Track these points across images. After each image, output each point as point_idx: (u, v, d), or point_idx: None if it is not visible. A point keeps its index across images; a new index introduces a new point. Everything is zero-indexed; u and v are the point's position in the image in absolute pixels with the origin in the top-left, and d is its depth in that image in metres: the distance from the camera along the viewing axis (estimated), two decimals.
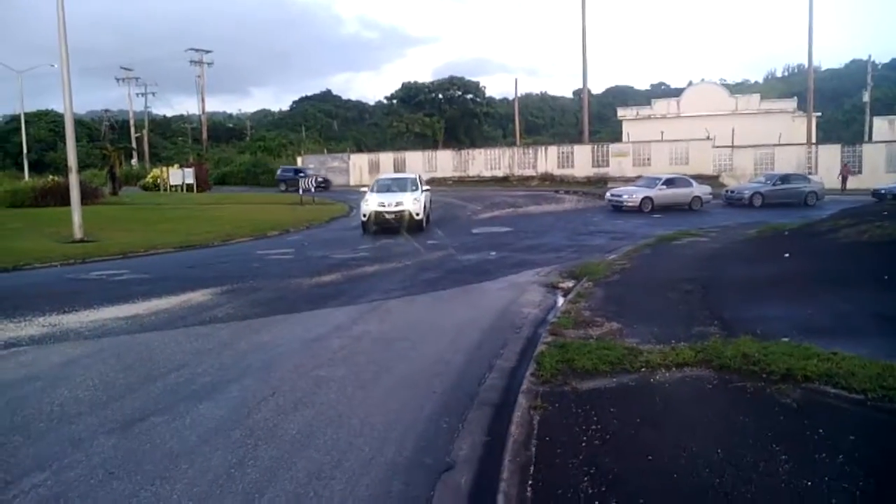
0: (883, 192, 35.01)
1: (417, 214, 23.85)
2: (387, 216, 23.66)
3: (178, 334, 10.17)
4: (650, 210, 30.70)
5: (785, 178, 35.90)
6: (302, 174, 53.47)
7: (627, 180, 49.72)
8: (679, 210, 31.31)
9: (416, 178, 26.55)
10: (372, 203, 24.02)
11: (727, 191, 36.76)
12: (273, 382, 7.75)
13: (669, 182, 32.84)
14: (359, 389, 7.47)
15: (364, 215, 24.11)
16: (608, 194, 33.53)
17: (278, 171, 59.69)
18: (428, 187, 27.09)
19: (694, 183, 33.53)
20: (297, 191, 43.59)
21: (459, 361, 8.58)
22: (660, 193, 31.70)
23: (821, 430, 5.45)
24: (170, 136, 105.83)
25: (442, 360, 8.61)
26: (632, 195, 31.78)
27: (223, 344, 9.61)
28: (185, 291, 13.42)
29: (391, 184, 26.20)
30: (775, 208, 31.53)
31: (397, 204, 23.87)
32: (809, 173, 45.06)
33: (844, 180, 42.70)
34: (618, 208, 31.58)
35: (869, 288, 11.04)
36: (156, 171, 61.90)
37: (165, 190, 55.09)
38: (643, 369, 7.27)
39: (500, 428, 6.11)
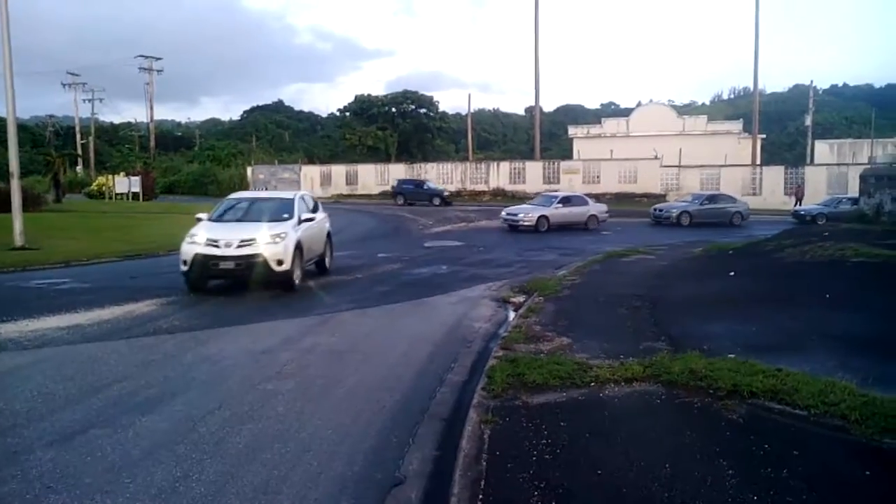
0: (802, 213, 36.53)
1: (280, 263, 13.89)
2: (222, 264, 13.98)
3: (122, 345, 9.91)
4: (546, 229, 30.08)
5: (712, 198, 36.88)
6: (425, 186, 51.09)
7: None
8: (575, 230, 30.93)
9: (294, 200, 16.05)
10: (199, 240, 14.25)
11: (655, 209, 37.09)
12: (219, 395, 7.59)
13: (566, 200, 32.38)
14: (308, 403, 7.35)
15: (184, 262, 14.09)
16: (504, 213, 32.16)
17: (395, 183, 53.74)
18: (323, 215, 17.74)
19: (590, 201, 33.26)
20: (425, 204, 41.58)
21: (410, 375, 8.53)
22: (556, 212, 31.14)
23: (766, 446, 5.54)
24: (116, 144, 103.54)
25: (393, 374, 8.55)
26: (527, 214, 30.87)
27: (168, 355, 9.38)
28: (129, 301, 13.09)
29: (248, 207, 16.34)
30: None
31: (242, 244, 13.94)
32: (754, 194, 46.35)
33: (798, 201, 43.61)
34: (514, 228, 30.57)
35: (812, 306, 11.32)
36: (101, 179, 60.75)
37: (111, 198, 53.96)
38: (593, 384, 7.31)
39: (451, 442, 6.07)
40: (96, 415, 6.87)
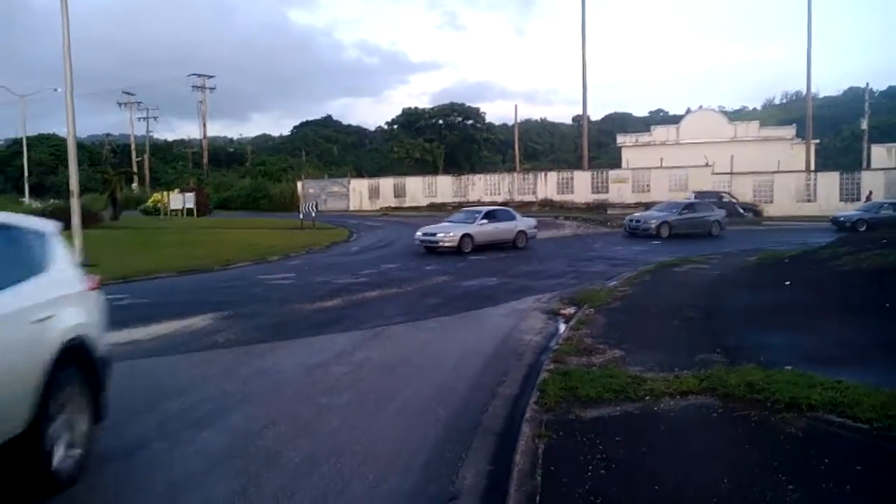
0: (842, 219, 35.00)
1: None
2: None
3: (179, 360, 10.14)
4: (471, 250, 25.99)
5: (690, 207, 34.40)
6: (724, 198, 43.25)
7: (627, 206, 50.06)
8: (501, 248, 27.38)
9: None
10: None
11: (630, 220, 34.50)
12: (275, 409, 7.71)
13: (490, 216, 28.12)
14: (361, 416, 7.43)
15: None
16: (419, 233, 27.44)
17: (690, 195, 44.76)
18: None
19: (517, 215, 29.62)
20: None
21: (462, 388, 8.55)
22: (481, 230, 26.94)
23: (826, 460, 5.42)
24: (170, 161, 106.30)
25: (445, 387, 8.58)
26: (448, 233, 26.36)
27: (225, 370, 9.57)
28: (185, 316, 13.38)
29: None
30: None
31: None
32: (809, 200, 45.11)
33: None
34: (432, 250, 26.13)
35: (871, 316, 11.03)
36: (156, 196, 62.22)
37: (166, 214, 55.24)
38: (647, 397, 7.24)
39: (505, 457, 6.06)
40: (157, 429, 7.04)
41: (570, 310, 13.75)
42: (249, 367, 9.71)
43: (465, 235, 26.22)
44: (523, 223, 28.91)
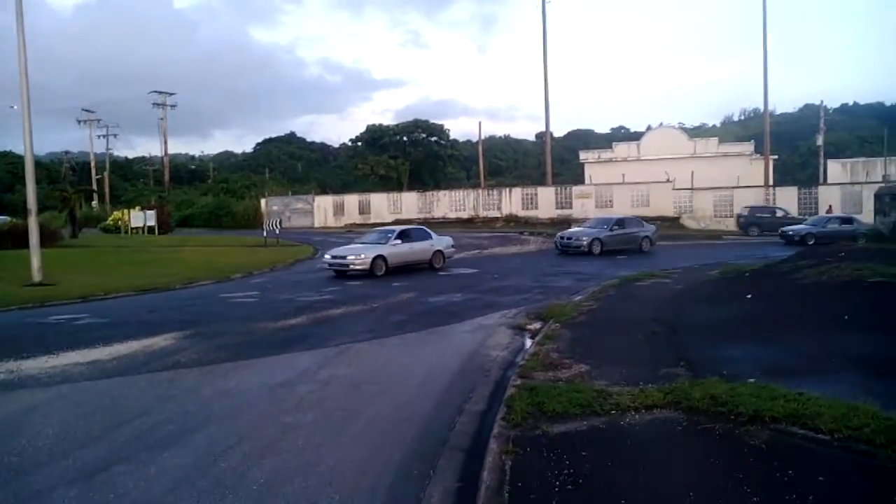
0: (791, 233, 35.57)
1: None
2: None
3: (141, 380, 9.97)
4: (384, 273, 23.91)
5: (621, 223, 33.57)
6: (777, 213, 42.84)
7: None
8: (417, 270, 25.45)
9: None
10: None
11: (561, 237, 33.24)
12: (239, 429, 7.60)
13: (405, 235, 25.92)
14: (327, 436, 7.35)
15: None
16: (328, 256, 25.24)
17: (743, 211, 45.13)
18: None
19: (433, 234, 27.32)
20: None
21: (429, 406, 8.51)
22: (395, 251, 24.84)
23: (790, 472, 5.49)
24: (131, 178, 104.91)
25: (411, 405, 8.54)
26: (359, 255, 24.09)
27: (187, 390, 9.42)
28: (147, 336, 13.16)
29: None
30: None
31: None
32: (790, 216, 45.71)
33: None
34: (342, 274, 23.87)
35: (830, 328, 11.22)
36: (117, 214, 61.25)
37: (126, 232, 54.36)
38: (613, 411, 7.28)
39: (472, 474, 6.04)
40: (118, 451, 6.91)
41: (537, 325, 13.79)
42: (212, 386, 9.57)
43: (377, 257, 24.09)
44: (440, 242, 26.99)
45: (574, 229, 35.18)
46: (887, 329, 10.76)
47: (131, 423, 7.81)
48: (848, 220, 35.80)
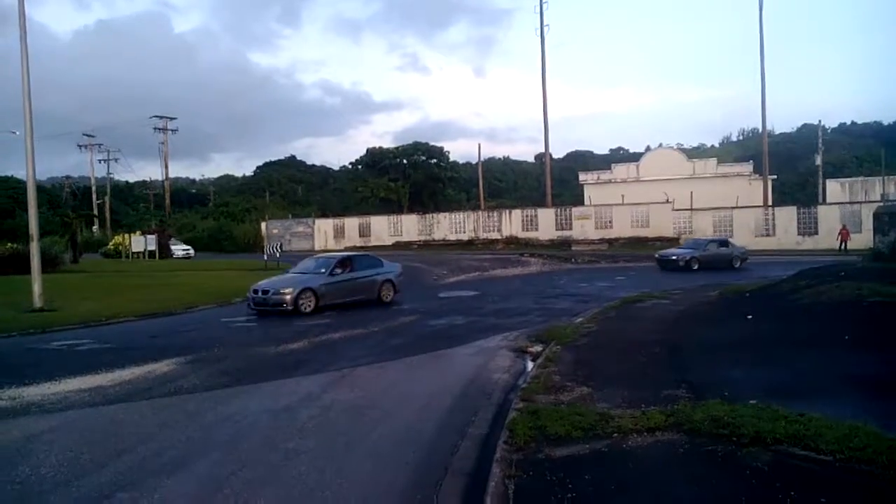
0: (674, 257, 35.03)
1: None
2: None
3: (144, 406, 9.98)
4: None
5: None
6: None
7: (591, 242, 50.64)
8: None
9: None
10: None
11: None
12: (242, 455, 7.61)
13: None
14: (330, 461, 7.36)
15: None
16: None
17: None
18: None
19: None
20: None
21: (431, 430, 8.52)
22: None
23: (792, 493, 5.50)
24: (132, 203, 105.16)
25: (414, 429, 8.55)
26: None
27: (190, 416, 9.43)
28: (149, 362, 13.17)
29: None
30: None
31: None
32: (767, 234, 45.92)
33: (843, 241, 41.38)
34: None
35: (830, 348, 11.24)
36: (118, 238, 61.38)
37: (127, 257, 54.45)
38: (615, 434, 7.30)
39: (476, 498, 6.06)
40: (121, 478, 6.91)
41: (538, 347, 13.81)
42: (215, 412, 9.58)
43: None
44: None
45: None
46: (887, 349, 10.79)
47: (134, 450, 7.82)
48: (724, 243, 36.85)
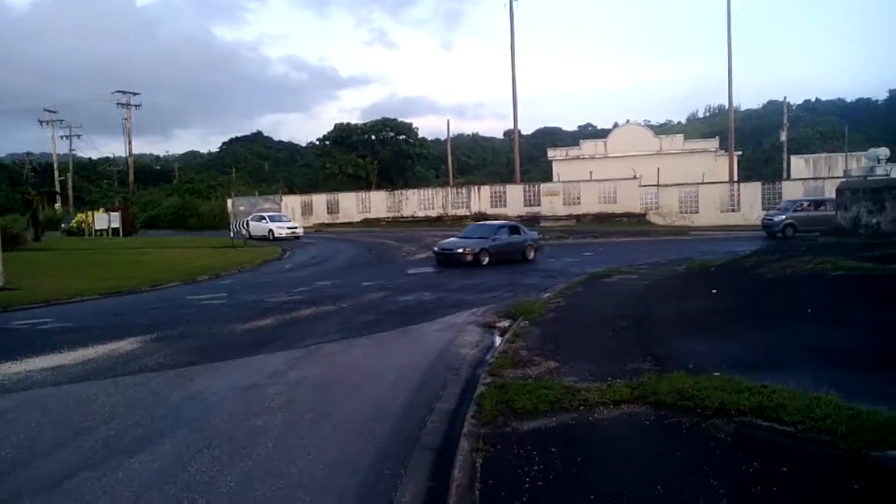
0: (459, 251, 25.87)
1: None
2: None
3: (107, 385, 9.82)
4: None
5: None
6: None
7: (559, 218, 50.85)
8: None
9: None
10: None
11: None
12: (208, 433, 7.54)
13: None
14: (297, 438, 7.32)
15: None
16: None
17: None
18: None
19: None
20: None
21: (399, 405, 8.52)
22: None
23: (755, 464, 5.59)
24: (95, 180, 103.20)
25: (382, 405, 8.54)
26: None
27: (155, 394, 9.32)
28: (112, 340, 12.98)
29: None
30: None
31: None
32: (733, 210, 46.48)
33: None
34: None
35: (794, 321, 11.43)
36: (81, 216, 60.36)
37: (90, 234, 53.59)
38: (582, 407, 7.35)
39: (444, 472, 6.06)
40: (85, 457, 6.81)
41: (506, 322, 13.86)
42: (180, 390, 9.48)
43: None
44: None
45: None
46: (849, 321, 11.00)
47: (98, 429, 7.71)
48: (515, 230, 28.61)
